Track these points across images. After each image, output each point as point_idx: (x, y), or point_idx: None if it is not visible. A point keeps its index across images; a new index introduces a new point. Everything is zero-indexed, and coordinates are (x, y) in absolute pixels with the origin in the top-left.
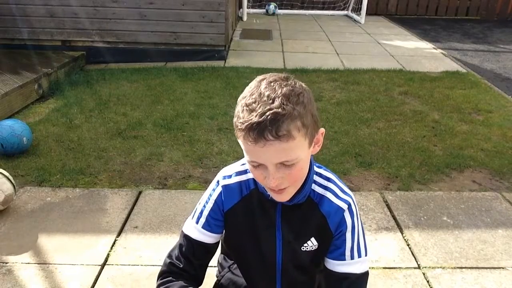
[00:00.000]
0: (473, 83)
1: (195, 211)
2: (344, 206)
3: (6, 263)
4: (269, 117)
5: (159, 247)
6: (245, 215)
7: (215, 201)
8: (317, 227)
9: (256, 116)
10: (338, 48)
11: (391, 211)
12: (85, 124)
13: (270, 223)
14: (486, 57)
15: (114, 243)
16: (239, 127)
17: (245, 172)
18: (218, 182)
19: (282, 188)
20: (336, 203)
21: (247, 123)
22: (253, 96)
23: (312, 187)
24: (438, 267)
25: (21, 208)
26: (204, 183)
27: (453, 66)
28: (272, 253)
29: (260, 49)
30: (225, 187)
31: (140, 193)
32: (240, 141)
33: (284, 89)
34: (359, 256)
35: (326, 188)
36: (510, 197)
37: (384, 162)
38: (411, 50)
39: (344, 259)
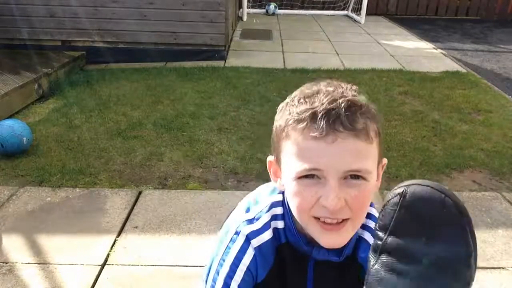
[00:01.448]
0: (473, 83)
1: (214, 277)
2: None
3: (6, 263)
4: (343, 104)
5: (159, 247)
6: (277, 282)
7: (248, 267)
8: (353, 283)
9: (324, 103)
10: (338, 48)
11: None
12: (85, 124)
13: (300, 284)
14: (486, 57)
15: (114, 243)
16: (296, 118)
17: (271, 220)
18: (247, 238)
19: (341, 219)
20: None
21: (312, 110)
22: (311, 90)
23: (360, 233)
24: None
25: (21, 208)
26: (204, 183)
27: (453, 66)
28: None
29: (260, 49)
30: (259, 249)
31: (140, 193)
32: (288, 144)
33: (349, 91)
34: None
35: (364, 226)
36: (510, 197)
37: None
38: (411, 50)
39: None
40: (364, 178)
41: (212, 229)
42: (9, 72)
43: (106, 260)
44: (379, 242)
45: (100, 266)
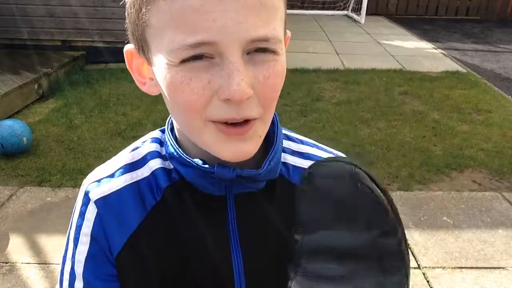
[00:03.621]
0: (473, 83)
1: (61, 271)
2: None
3: (6, 263)
4: None
5: None
6: (160, 242)
7: (91, 235)
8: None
9: None
10: (338, 48)
11: None
12: (85, 124)
13: (219, 238)
14: (486, 57)
15: None
16: None
17: (145, 160)
18: (86, 194)
19: (249, 117)
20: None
21: None
22: None
23: (283, 157)
24: (438, 267)
25: (21, 208)
26: None
27: (453, 66)
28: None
29: None
30: (103, 201)
31: None
32: (155, 13)
33: None
34: None
35: (307, 156)
36: (510, 197)
37: (384, 162)
38: (411, 50)
39: None
40: (273, 51)
41: None
42: (9, 72)
43: None
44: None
45: None
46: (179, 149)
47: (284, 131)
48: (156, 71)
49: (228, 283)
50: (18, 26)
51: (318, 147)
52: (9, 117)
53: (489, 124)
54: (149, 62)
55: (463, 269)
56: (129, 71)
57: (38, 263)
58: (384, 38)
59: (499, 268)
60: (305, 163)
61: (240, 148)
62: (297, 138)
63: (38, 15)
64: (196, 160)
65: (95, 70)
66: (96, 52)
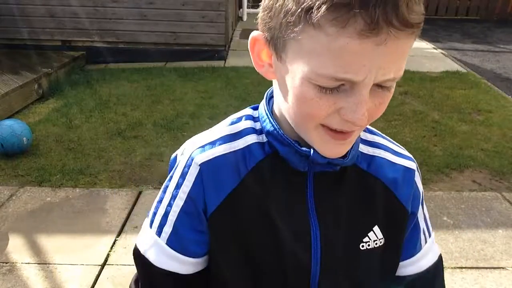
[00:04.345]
0: (473, 83)
1: (154, 213)
2: (412, 165)
3: (6, 263)
4: None
5: None
6: (251, 205)
7: (189, 195)
8: (381, 207)
9: None
10: None
11: None
12: (85, 124)
13: (300, 208)
14: (486, 57)
15: (114, 243)
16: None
17: (242, 133)
18: (191, 157)
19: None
20: (401, 163)
21: None
22: None
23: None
24: None
25: (21, 208)
26: None
27: (453, 66)
28: (303, 261)
29: None
30: (207, 166)
31: (140, 193)
32: (310, 35)
33: None
34: (430, 234)
35: (374, 144)
36: (510, 197)
37: None
38: (411, 50)
39: (421, 249)
40: (391, 85)
41: None
42: (9, 72)
43: (106, 260)
44: None
45: (100, 266)
46: (280, 129)
47: None
48: (285, 72)
49: (306, 246)
50: (18, 26)
51: (385, 138)
52: (9, 117)
53: (489, 124)
54: (277, 56)
55: (463, 269)
56: (250, 52)
57: (38, 263)
58: None
59: (499, 268)
60: (372, 151)
61: (339, 150)
62: (367, 128)
63: (38, 15)
64: (294, 142)
65: (95, 70)
66: (96, 52)
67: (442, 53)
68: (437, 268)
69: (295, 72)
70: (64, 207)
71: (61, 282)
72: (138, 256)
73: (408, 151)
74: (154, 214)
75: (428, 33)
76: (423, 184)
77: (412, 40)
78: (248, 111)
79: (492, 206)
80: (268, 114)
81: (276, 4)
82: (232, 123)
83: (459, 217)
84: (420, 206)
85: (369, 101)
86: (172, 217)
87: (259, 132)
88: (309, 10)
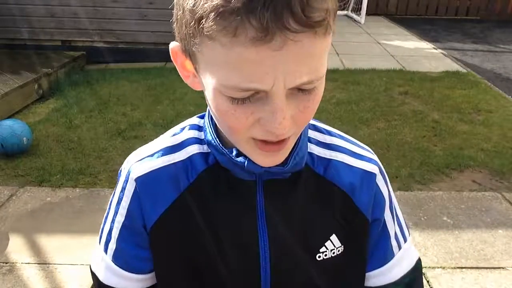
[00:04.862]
0: (473, 83)
1: (101, 229)
2: (373, 168)
3: (6, 263)
4: None
5: None
6: (191, 219)
7: (128, 210)
8: (338, 215)
9: None
10: (338, 48)
11: None
12: (85, 124)
13: (248, 218)
14: (486, 57)
15: None
16: (219, 7)
17: (183, 145)
18: (128, 172)
19: (285, 137)
20: (359, 166)
21: None
22: None
23: (308, 148)
24: (438, 267)
25: (21, 208)
26: None
27: (453, 66)
28: (252, 273)
29: None
30: (142, 180)
31: None
32: (208, 45)
33: None
34: (405, 238)
35: (331, 147)
36: (510, 197)
37: (384, 162)
38: (411, 50)
39: (393, 256)
40: (318, 84)
41: None
42: (9, 72)
43: None
44: None
45: None
46: (217, 139)
47: (312, 122)
48: (203, 83)
49: (254, 258)
50: (18, 26)
51: (345, 139)
52: (9, 117)
53: (489, 124)
54: (195, 67)
55: (463, 269)
56: (175, 65)
57: (38, 263)
58: (384, 38)
59: (499, 268)
60: (329, 154)
61: (273, 159)
62: (324, 129)
63: (38, 15)
64: (231, 151)
65: (95, 70)
66: (96, 52)
67: (442, 53)
68: (413, 276)
69: (208, 84)
70: (64, 207)
71: (61, 282)
72: (91, 273)
73: (408, 151)
74: (102, 230)
75: (428, 33)
76: (423, 184)
77: (319, 39)
78: (194, 120)
79: (492, 206)
80: (209, 123)
81: (177, 15)
82: (174, 134)
83: (459, 217)
84: (388, 211)
85: (291, 107)
86: (115, 234)
87: (203, 142)
88: (200, 20)
